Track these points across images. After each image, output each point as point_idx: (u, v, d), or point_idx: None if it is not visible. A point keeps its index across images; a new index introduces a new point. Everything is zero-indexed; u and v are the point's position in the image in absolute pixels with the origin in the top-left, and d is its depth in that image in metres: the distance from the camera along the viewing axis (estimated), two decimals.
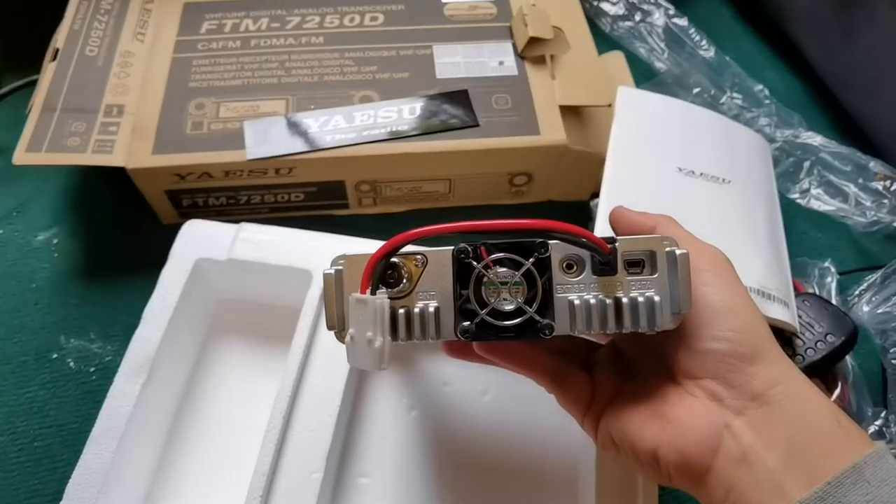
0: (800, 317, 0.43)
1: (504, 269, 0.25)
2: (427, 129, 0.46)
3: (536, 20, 0.50)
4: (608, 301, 0.25)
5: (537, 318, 0.25)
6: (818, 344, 0.42)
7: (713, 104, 0.57)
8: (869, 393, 0.44)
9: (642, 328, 0.25)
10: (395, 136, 0.46)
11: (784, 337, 0.43)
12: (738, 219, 0.45)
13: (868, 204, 0.52)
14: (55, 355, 0.45)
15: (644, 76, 0.60)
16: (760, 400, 0.24)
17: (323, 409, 0.37)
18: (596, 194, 0.48)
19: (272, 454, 0.35)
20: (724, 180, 0.47)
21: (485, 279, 0.25)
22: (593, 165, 0.48)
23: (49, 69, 0.49)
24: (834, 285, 0.47)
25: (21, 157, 0.44)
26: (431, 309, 0.25)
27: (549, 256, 0.25)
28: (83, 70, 0.49)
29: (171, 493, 0.38)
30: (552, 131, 0.47)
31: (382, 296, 0.25)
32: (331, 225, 0.44)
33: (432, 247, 0.26)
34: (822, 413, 0.24)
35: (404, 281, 0.26)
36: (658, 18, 0.61)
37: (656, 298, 0.25)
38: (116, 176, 0.47)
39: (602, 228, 0.43)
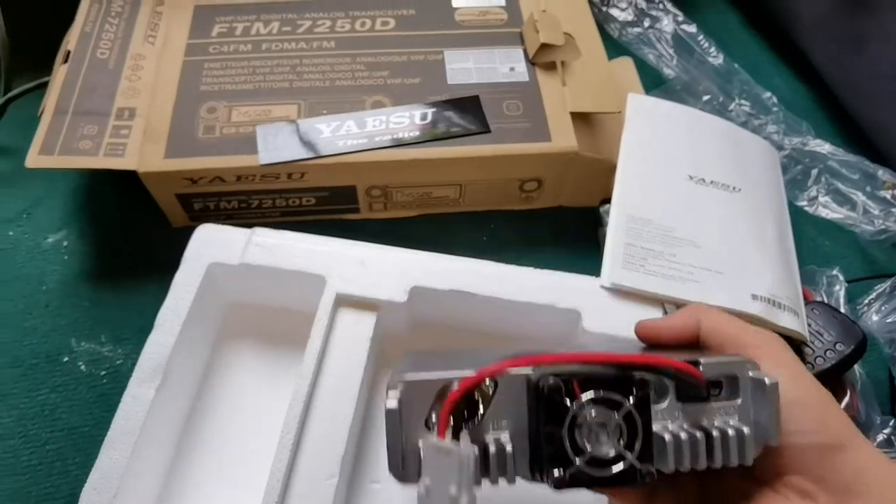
0: (809, 325, 0.43)
1: (598, 409, 0.22)
2: (438, 136, 0.46)
3: (547, 26, 0.50)
4: (698, 435, 0.23)
5: (638, 465, 0.22)
6: (827, 352, 0.43)
7: (722, 111, 0.58)
8: (877, 401, 0.44)
9: (732, 463, 0.23)
10: (407, 142, 0.46)
11: (794, 345, 0.43)
12: (748, 227, 0.45)
13: (876, 212, 0.52)
14: (66, 358, 0.45)
15: (653, 82, 0.60)
16: (853, 491, 0.23)
17: (337, 415, 0.37)
18: (606, 200, 0.48)
19: (287, 458, 0.35)
20: (734, 188, 0.47)
21: (578, 420, 0.22)
22: (603, 172, 0.48)
23: (61, 71, 0.49)
24: (842, 293, 0.48)
25: (34, 160, 0.44)
26: (509, 448, 0.22)
27: (650, 395, 0.22)
28: (94, 72, 0.49)
29: (185, 497, 0.39)
30: (563, 138, 0.47)
31: (467, 443, 0.21)
32: (341, 229, 0.44)
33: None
34: None
35: (480, 412, 0.22)
36: (667, 25, 0.62)
37: (746, 431, 0.23)
38: (125, 178, 0.47)
39: (613, 235, 0.43)
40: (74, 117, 0.47)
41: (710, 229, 0.44)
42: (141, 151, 0.45)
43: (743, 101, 0.58)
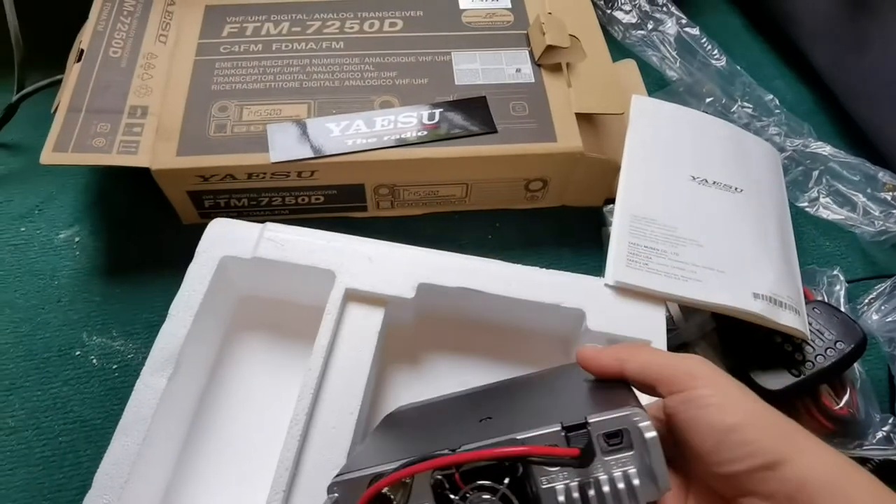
0: (810, 324, 0.44)
1: (478, 495, 0.25)
2: (446, 135, 0.47)
3: (553, 28, 0.51)
4: (591, 493, 0.25)
5: None
6: (828, 351, 0.43)
7: (724, 113, 0.58)
8: (877, 399, 0.45)
9: None
10: (415, 142, 0.47)
11: (795, 344, 0.44)
12: (750, 227, 0.46)
13: (876, 213, 0.53)
14: (78, 352, 0.46)
15: (656, 84, 0.61)
16: (799, 499, 0.24)
17: (345, 407, 0.37)
18: (609, 200, 0.49)
19: (295, 449, 0.35)
20: (736, 189, 0.48)
21: None
22: (607, 172, 0.49)
23: (74, 70, 0.50)
24: (843, 293, 0.48)
25: (48, 157, 0.45)
26: None
27: (523, 474, 0.25)
28: (107, 71, 0.50)
29: (194, 484, 0.39)
30: (569, 138, 0.48)
31: None
32: (349, 227, 0.45)
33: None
34: (863, 487, 0.24)
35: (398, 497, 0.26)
36: (670, 27, 0.62)
37: (636, 482, 0.25)
38: (136, 175, 0.48)
39: (617, 234, 0.44)
40: (88, 115, 0.47)
41: (713, 229, 0.45)
42: (153, 149, 0.46)
43: (745, 104, 0.59)
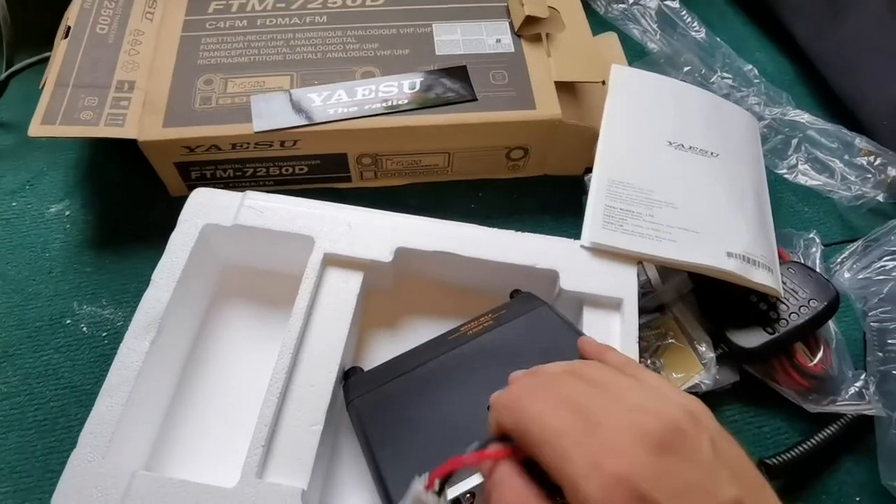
0: (784, 283, 0.45)
1: None
2: (426, 103, 0.48)
3: (532, 0, 0.52)
4: None
5: None
6: (801, 309, 0.44)
7: (703, 83, 0.59)
8: (850, 357, 0.46)
9: None
10: (396, 110, 0.48)
11: (769, 303, 0.44)
12: (725, 190, 0.47)
13: (853, 179, 0.54)
14: (69, 321, 0.47)
15: (637, 57, 0.61)
16: None
17: (324, 366, 0.38)
18: (590, 169, 0.50)
19: (275, 406, 0.36)
20: (712, 154, 0.48)
21: None
22: (587, 141, 0.50)
23: (61, 46, 0.50)
24: (819, 255, 0.49)
25: (36, 129, 0.46)
26: None
27: None
28: (94, 47, 0.51)
29: (178, 443, 0.40)
30: (548, 106, 0.48)
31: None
32: (334, 198, 0.46)
33: None
34: None
35: None
36: (651, 1, 0.63)
37: None
38: (125, 149, 0.49)
39: (595, 197, 0.45)
40: (75, 90, 0.48)
41: (689, 192, 0.46)
42: (140, 121, 0.47)
43: (725, 74, 0.59)
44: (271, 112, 0.47)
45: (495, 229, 0.43)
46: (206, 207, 0.43)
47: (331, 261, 0.42)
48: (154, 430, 0.40)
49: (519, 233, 0.43)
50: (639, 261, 0.43)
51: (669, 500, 0.22)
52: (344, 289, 0.41)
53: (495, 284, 0.43)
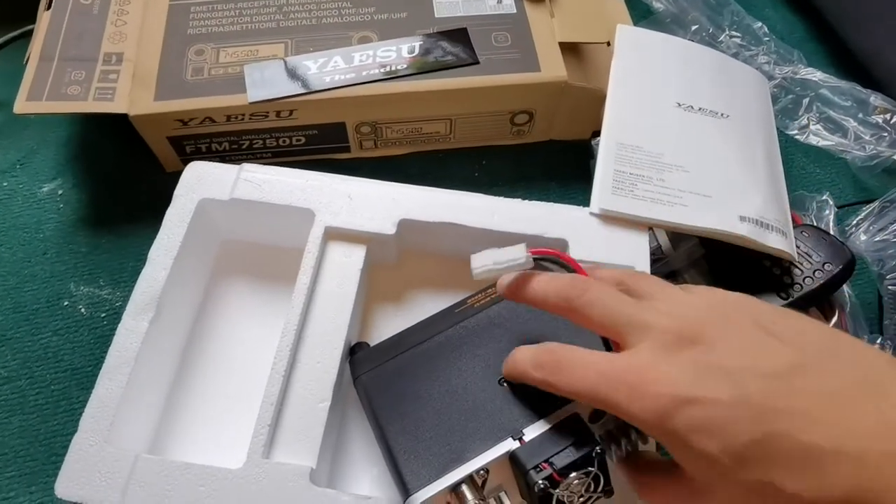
0: (798, 247, 0.44)
1: (576, 480, 0.28)
2: (426, 68, 0.46)
3: None
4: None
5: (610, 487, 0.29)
6: (816, 273, 0.43)
7: (711, 42, 0.57)
8: (866, 321, 0.45)
9: None
10: (395, 76, 0.46)
11: (783, 267, 0.43)
12: (736, 152, 0.45)
13: (867, 138, 0.52)
14: (66, 302, 0.46)
15: (642, 17, 0.59)
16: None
17: (329, 343, 0.37)
18: (597, 133, 0.48)
19: (280, 384, 0.35)
20: (722, 115, 0.47)
21: (566, 498, 0.28)
22: (594, 103, 0.48)
23: (44, 18, 0.49)
24: (832, 218, 0.48)
25: (22, 106, 0.44)
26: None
27: (604, 452, 0.29)
28: (79, 18, 0.49)
29: (182, 424, 0.39)
30: (553, 68, 0.47)
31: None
32: (333, 168, 0.44)
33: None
34: None
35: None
36: None
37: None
38: (118, 125, 0.48)
39: (603, 162, 0.43)
40: (61, 63, 0.46)
41: (699, 154, 0.44)
42: (130, 95, 0.45)
43: (734, 33, 0.57)
44: (266, 81, 0.45)
45: (501, 198, 0.42)
46: (202, 181, 0.42)
47: (332, 234, 0.40)
48: (156, 412, 0.39)
49: (526, 201, 0.42)
50: (649, 227, 0.42)
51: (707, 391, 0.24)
52: (347, 263, 0.40)
53: None
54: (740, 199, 0.43)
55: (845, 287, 0.45)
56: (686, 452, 0.25)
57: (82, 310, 0.46)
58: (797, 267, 0.43)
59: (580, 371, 0.27)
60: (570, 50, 0.49)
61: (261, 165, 0.43)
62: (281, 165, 0.43)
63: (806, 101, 0.54)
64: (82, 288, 0.47)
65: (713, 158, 0.44)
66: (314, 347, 0.37)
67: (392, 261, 0.43)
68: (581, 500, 0.28)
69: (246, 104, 0.45)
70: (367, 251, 0.40)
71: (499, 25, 0.49)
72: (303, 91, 0.45)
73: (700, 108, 0.47)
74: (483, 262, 0.31)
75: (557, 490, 0.28)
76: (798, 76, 0.55)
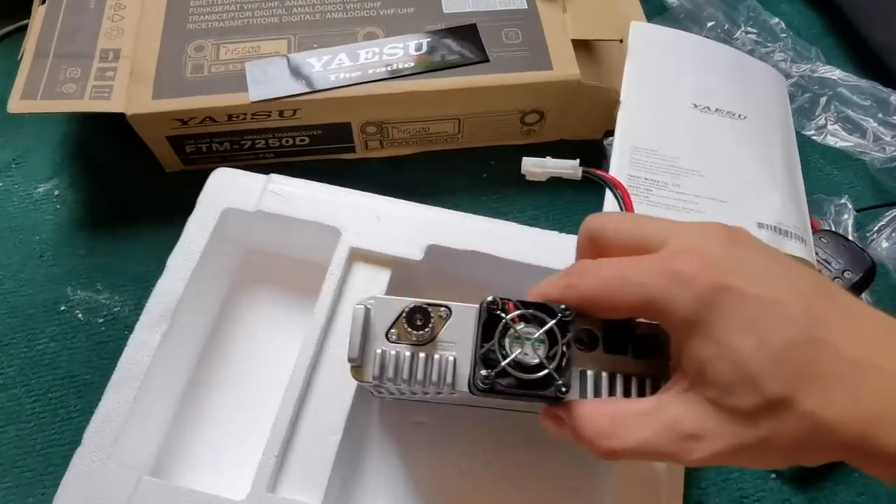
0: (817, 254, 0.43)
1: (528, 327, 0.26)
2: (434, 66, 0.45)
3: None
4: (619, 377, 0.27)
5: (555, 375, 0.25)
6: (836, 281, 0.42)
7: (727, 39, 0.56)
8: None
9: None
10: (401, 74, 0.44)
11: None
12: (753, 155, 0.44)
13: (888, 139, 0.51)
14: (63, 307, 0.45)
15: (656, 13, 0.58)
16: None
17: (346, 370, 0.35)
18: (610, 132, 0.47)
19: (291, 413, 0.34)
20: (739, 116, 0.45)
21: (510, 332, 0.26)
22: (606, 102, 0.47)
23: (39, 13, 0.47)
24: (851, 222, 0.47)
25: (16, 105, 0.43)
26: (451, 357, 0.27)
27: (573, 319, 0.26)
28: (74, 13, 0.47)
29: (188, 446, 0.38)
30: (565, 66, 0.45)
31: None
32: (338, 169, 0.43)
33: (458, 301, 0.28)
34: None
35: (428, 328, 0.27)
36: None
37: (648, 381, 0.27)
38: (115, 124, 0.46)
39: (617, 168, 0.42)
40: (56, 60, 0.45)
41: (716, 158, 0.43)
42: (128, 93, 0.44)
43: (749, 29, 0.56)
44: (268, 79, 0.44)
45: (536, 228, 0.40)
46: (227, 189, 0.40)
47: (357, 256, 0.39)
48: (163, 430, 0.38)
49: (562, 234, 0.40)
50: None
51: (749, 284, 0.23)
52: (370, 287, 0.38)
53: (532, 285, 0.40)
54: (758, 204, 0.42)
55: (865, 295, 0.44)
56: (714, 348, 0.23)
57: (79, 315, 0.45)
58: None
59: (612, 266, 0.25)
60: (583, 47, 0.47)
61: (288, 177, 0.41)
62: (284, 166, 0.42)
63: (823, 100, 0.53)
64: (79, 292, 0.45)
65: (730, 162, 0.43)
66: (330, 375, 0.35)
67: (415, 285, 0.42)
68: (525, 354, 0.26)
69: (247, 103, 0.43)
70: (391, 275, 0.39)
71: (509, 21, 0.47)
72: (306, 90, 0.43)
73: (717, 109, 0.45)
74: (535, 160, 0.35)
75: (507, 317, 0.26)
76: (816, 74, 0.53)
